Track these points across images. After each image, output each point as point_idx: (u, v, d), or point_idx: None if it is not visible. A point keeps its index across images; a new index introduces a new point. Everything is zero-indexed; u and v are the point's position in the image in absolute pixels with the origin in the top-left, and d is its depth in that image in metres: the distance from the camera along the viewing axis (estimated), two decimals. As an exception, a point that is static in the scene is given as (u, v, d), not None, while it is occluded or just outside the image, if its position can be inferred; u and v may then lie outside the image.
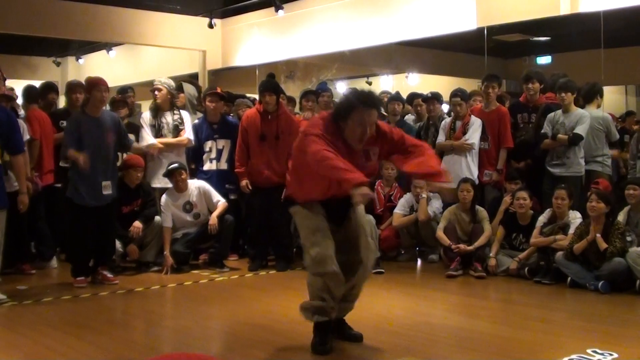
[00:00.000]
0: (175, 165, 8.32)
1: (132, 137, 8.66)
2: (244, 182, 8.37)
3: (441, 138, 8.86)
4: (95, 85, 7.52)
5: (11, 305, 6.65)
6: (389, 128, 5.15)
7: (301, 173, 4.99)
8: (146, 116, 8.74)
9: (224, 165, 8.75)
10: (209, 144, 8.79)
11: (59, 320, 6.19)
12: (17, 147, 6.88)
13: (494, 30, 10.19)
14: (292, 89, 11.34)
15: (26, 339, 5.57)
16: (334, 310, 5.14)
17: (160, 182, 8.59)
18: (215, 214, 8.28)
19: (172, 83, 8.96)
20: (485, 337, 5.51)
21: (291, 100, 9.94)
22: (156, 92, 8.69)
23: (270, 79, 8.67)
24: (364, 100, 4.76)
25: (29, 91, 9.21)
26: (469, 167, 8.61)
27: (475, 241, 7.91)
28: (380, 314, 6.30)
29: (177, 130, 8.65)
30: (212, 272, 8.19)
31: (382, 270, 8.00)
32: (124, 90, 10.31)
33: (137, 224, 8.13)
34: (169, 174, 8.33)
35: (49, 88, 9.51)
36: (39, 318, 6.30)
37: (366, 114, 4.73)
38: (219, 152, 8.74)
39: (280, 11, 11.79)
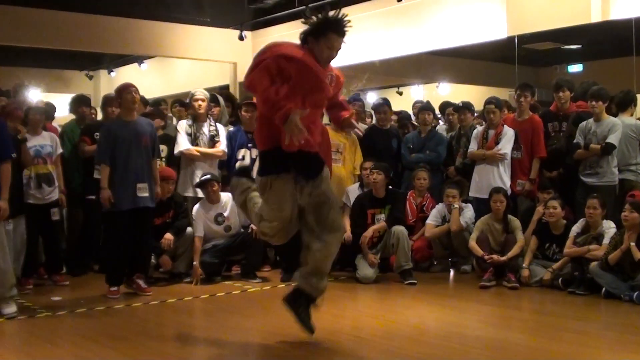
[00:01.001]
0: (208, 176, 8.36)
1: (164, 147, 8.75)
2: None
3: (473, 147, 8.83)
4: (125, 88, 7.61)
5: (46, 316, 6.70)
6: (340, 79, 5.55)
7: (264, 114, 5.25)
8: (183, 124, 8.81)
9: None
10: (242, 152, 8.82)
11: (92, 331, 6.23)
12: (1, 154, 6.64)
13: (525, 38, 10.15)
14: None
15: (60, 350, 5.62)
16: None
17: (192, 191, 8.65)
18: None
19: (208, 94, 9.04)
20: (518, 349, 5.46)
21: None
22: (200, 102, 8.76)
23: None
24: (336, 27, 5.14)
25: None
26: (501, 176, 8.56)
27: (508, 251, 7.86)
28: (413, 325, 6.27)
29: (212, 141, 8.74)
30: (244, 283, 8.22)
31: (415, 282, 7.97)
32: (158, 102, 10.39)
33: (168, 236, 8.17)
34: (201, 185, 8.37)
35: (81, 101, 9.56)
36: (73, 329, 6.36)
37: (337, 41, 5.14)
38: (252, 161, 8.75)
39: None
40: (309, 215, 5.29)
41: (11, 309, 6.56)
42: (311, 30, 5.17)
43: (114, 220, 7.52)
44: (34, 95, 9.04)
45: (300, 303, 5.43)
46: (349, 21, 5.23)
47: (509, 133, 8.62)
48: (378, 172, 8.32)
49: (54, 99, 11.76)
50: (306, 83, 5.12)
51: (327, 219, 5.26)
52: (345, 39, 5.20)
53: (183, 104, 10.10)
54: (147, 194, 7.53)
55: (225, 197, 8.43)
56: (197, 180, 8.49)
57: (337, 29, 5.13)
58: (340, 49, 5.20)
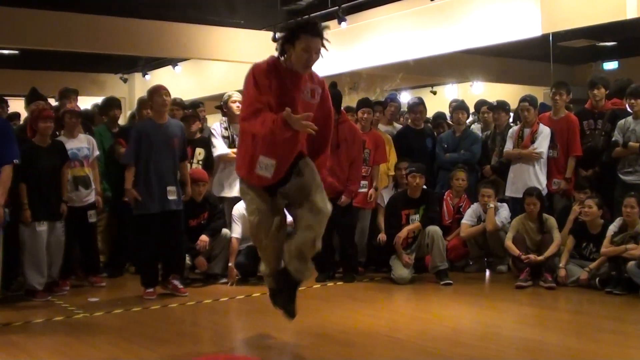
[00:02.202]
0: None
1: (200, 150, 8.79)
2: None
3: (509, 146, 8.77)
4: (155, 90, 7.66)
5: (83, 317, 6.78)
6: (330, 106, 5.35)
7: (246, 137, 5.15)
8: (218, 127, 8.85)
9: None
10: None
11: (129, 332, 6.29)
12: (3, 158, 6.56)
13: (560, 36, 10.07)
14: (356, 101, 11.35)
15: (97, 351, 5.66)
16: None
17: (229, 192, 8.69)
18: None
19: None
20: (555, 349, 5.43)
21: (349, 110, 9.87)
22: (238, 104, 8.78)
23: (332, 89, 8.69)
24: (307, 29, 4.98)
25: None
26: (537, 176, 8.50)
27: (545, 251, 7.80)
28: (449, 325, 6.25)
29: None
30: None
31: (451, 282, 7.95)
32: (196, 105, 10.42)
33: (204, 237, 8.22)
34: None
35: (112, 104, 9.52)
36: (110, 329, 6.41)
37: (312, 42, 4.96)
38: None
39: (343, 23, 11.82)
40: (294, 201, 5.22)
41: None
42: (285, 37, 5.07)
43: (143, 223, 7.58)
44: (78, 99, 9.07)
45: (283, 284, 5.33)
46: (320, 22, 5.12)
47: (544, 131, 8.55)
48: (420, 176, 8.29)
49: (89, 102, 11.87)
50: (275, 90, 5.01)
51: (309, 200, 5.10)
52: (328, 45, 5.03)
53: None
54: (175, 197, 7.58)
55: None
56: (235, 181, 8.50)
57: (309, 29, 5.00)
58: (318, 50, 5.04)
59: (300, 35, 4.97)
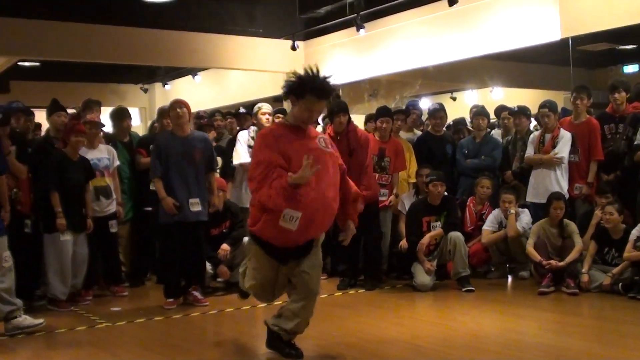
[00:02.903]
0: None
1: (218, 159, 8.83)
2: None
3: (530, 152, 8.73)
4: (171, 105, 7.76)
5: (105, 327, 6.82)
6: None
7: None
8: (245, 135, 8.89)
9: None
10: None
11: (151, 341, 6.33)
12: None
13: (579, 40, 10.01)
14: (376, 108, 11.36)
15: (120, 360, 5.71)
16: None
17: (248, 202, 8.71)
18: None
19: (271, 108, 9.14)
20: (578, 356, 5.40)
21: (371, 118, 9.83)
22: (268, 116, 8.82)
23: (336, 99, 8.73)
24: (315, 91, 4.93)
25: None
26: (558, 181, 8.46)
27: (566, 256, 7.76)
28: (471, 332, 6.24)
29: None
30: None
31: (473, 288, 7.93)
32: (212, 114, 10.48)
33: (225, 246, 8.25)
34: None
35: (123, 115, 9.42)
36: (132, 339, 6.46)
37: (317, 105, 4.98)
38: None
39: (361, 30, 11.81)
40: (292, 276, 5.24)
41: None
42: (291, 89, 5.02)
43: (166, 235, 7.63)
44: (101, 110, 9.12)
45: (277, 342, 5.44)
46: (329, 82, 5.03)
47: (565, 136, 8.51)
48: (441, 185, 8.27)
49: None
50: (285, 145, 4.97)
51: (304, 285, 5.16)
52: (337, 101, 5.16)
53: (236, 114, 10.19)
54: (199, 209, 7.58)
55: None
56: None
57: (318, 92, 4.95)
58: (321, 111, 5.14)
59: (307, 94, 4.92)
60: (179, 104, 7.68)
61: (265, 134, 5.10)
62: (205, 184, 7.76)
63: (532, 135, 8.90)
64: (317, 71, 5.00)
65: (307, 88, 4.94)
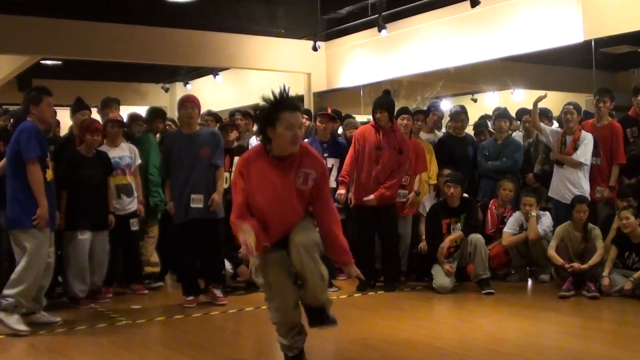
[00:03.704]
0: None
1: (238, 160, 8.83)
2: (342, 191, 8.40)
3: (553, 147, 8.72)
4: (181, 103, 7.77)
5: (125, 324, 6.85)
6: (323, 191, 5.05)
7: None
8: (253, 141, 8.89)
9: (332, 184, 8.77)
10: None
11: (171, 339, 6.35)
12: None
13: (602, 42, 9.95)
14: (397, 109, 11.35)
15: (139, 357, 5.72)
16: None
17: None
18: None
19: None
20: (600, 360, 5.37)
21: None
22: None
23: (386, 95, 8.72)
24: (284, 105, 4.79)
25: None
26: (580, 183, 8.42)
27: (587, 260, 7.72)
28: (491, 335, 6.22)
29: None
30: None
31: (492, 291, 7.89)
32: (232, 114, 10.49)
33: (246, 245, 8.25)
34: None
35: (157, 115, 9.45)
36: (152, 337, 6.49)
37: (293, 117, 4.76)
38: (328, 171, 8.79)
39: (383, 31, 11.81)
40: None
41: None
42: (263, 121, 4.85)
43: (177, 233, 7.68)
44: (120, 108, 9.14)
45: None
46: (288, 94, 4.87)
47: (587, 138, 8.46)
48: (455, 186, 8.24)
49: (131, 111, 11.99)
50: (254, 182, 4.87)
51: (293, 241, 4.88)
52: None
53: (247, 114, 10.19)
54: (200, 205, 7.53)
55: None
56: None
57: (286, 105, 4.81)
58: (301, 124, 4.90)
59: (279, 114, 4.76)
60: (190, 102, 7.69)
61: (240, 161, 5.03)
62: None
63: (552, 129, 8.85)
64: (274, 91, 4.87)
65: (277, 108, 4.79)
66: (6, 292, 6.42)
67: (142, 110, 10.00)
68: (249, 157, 4.98)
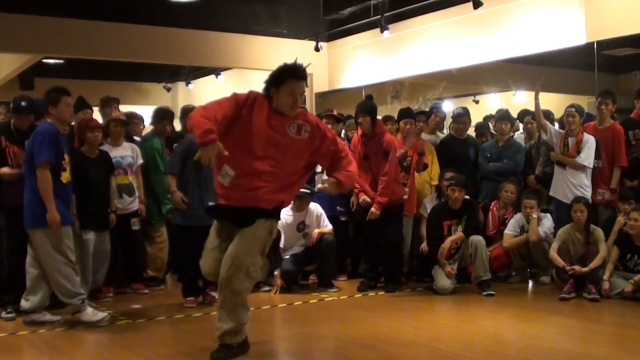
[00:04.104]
0: (307, 191, 8.34)
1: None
2: (362, 197, 8.37)
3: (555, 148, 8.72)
4: (186, 112, 7.73)
5: (126, 324, 6.85)
6: (330, 133, 5.54)
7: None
8: None
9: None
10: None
11: (171, 339, 6.37)
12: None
13: (604, 44, 9.94)
14: (398, 110, 11.34)
15: (139, 357, 5.72)
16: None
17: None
18: (317, 230, 8.40)
19: None
20: (600, 362, 5.37)
21: (389, 118, 9.77)
22: None
23: (368, 100, 8.72)
24: (293, 73, 5.29)
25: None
26: (581, 185, 8.41)
27: (589, 262, 7.71)
28: (492, 336, 6.23)
29: None
30: (322, 292, 8.26)
31: (493, 293, 7.90)
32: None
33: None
34: (298, 198, 8.31)
35: (164, 116, 9.32)
36: (152, 336, 6.48)
37: (297, 86, 5.26)
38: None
39: (385, 32, 11.81)
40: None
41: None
42: (271, 80, 5.33)
43: (185, 235, 7.63)
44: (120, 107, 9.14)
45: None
46: (305, 67, 5.38)
47: (590, 141, 8.46)
48: (459, 190, 8.24)
49: (132, 110, 12.00)
50: (247, 128, 5.24)
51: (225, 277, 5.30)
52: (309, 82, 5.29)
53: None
54: None
55: (310, 206, 8.53)
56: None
57: (294, 73, 5.29)
58: (302, 92, 5.34)
59: (286, 79, 5.25)
60: None
61: (247, 94, 5.36)
62: None
63: (555, 129, 8.84)
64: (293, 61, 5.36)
65: (285, 73, 5.28)
66: (61, 297, 6.67)
67: (143, 110, 10.00)
68: (257, 98, 5.34)
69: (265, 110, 5.27)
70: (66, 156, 6.77)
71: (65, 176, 6.72)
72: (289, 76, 5.26)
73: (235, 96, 5.29)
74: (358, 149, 8.34)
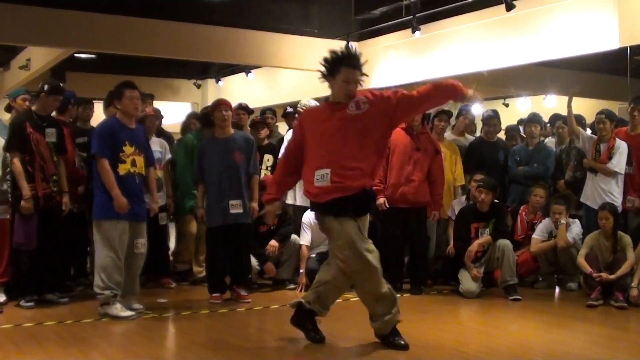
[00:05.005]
0: None
1: (269, 157, 8.84)
2: (381, 200, 8.33)
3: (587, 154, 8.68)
4: (216, 106, 7.78)
5: (152, 318, 6.90)
6: (388, 92, 5.67)
7: None
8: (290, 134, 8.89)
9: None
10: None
11: (196, 334, 6.38)
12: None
13: (638, 50, 9.86)
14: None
15: (164, 350, 5.78)
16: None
17: (292, 199, 8.75)
18: None
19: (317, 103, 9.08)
20: (627, 371, 5.32)
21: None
22: None
23: None
24: (348, 62, 5.47)
25: None
26: (612, 191, 8.34)
27: (617, 269, 7.64)
28: (517, 341, 6.18)
29: None
30: (347, 292, 8.22)
31: (519, 297, 7.85)
32: (263, 111, 10.50)
33: (274, 242, 8.28)
34: None
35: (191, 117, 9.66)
36: (178, 331, 6.53)
37: (352, 74, 5.46)
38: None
39: (417, 32, 11.78)
40: None
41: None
42: (327, 70, 5.54)
43: (209, 236, 7.71)
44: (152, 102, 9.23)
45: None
46: (359, 55, 5.59)
47: (621, 147, 8.39)
48: (487, 193, 8.20)
49: (163, 106, 12.07)
50: (316, 133, 5.59)
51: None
52: (364, 71, 5.53)
53: (284, 114, 10.18)
54: (240, 211, 7.59)
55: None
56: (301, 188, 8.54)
57: (349, 62, 5.46)
58: (357, 81, 5.48)
59: (341, 68, 5.45)
60: (225, 105, 7.71)
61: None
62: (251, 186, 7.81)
63: (587, 135, 8.78)
64: (347, 49, 5.59)
65: (341, 62, 5.45)
66: (96, 286, 6.77)
67: (173, 106, 10.06)
68: (301, 118, 6.01)
69: (317, 113, 5.84)
70: (129, 148, 6.90)
71: (124, 168, 6.85)
72: (344, 64, 5.44)
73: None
74: (404, 143, 8.29)
